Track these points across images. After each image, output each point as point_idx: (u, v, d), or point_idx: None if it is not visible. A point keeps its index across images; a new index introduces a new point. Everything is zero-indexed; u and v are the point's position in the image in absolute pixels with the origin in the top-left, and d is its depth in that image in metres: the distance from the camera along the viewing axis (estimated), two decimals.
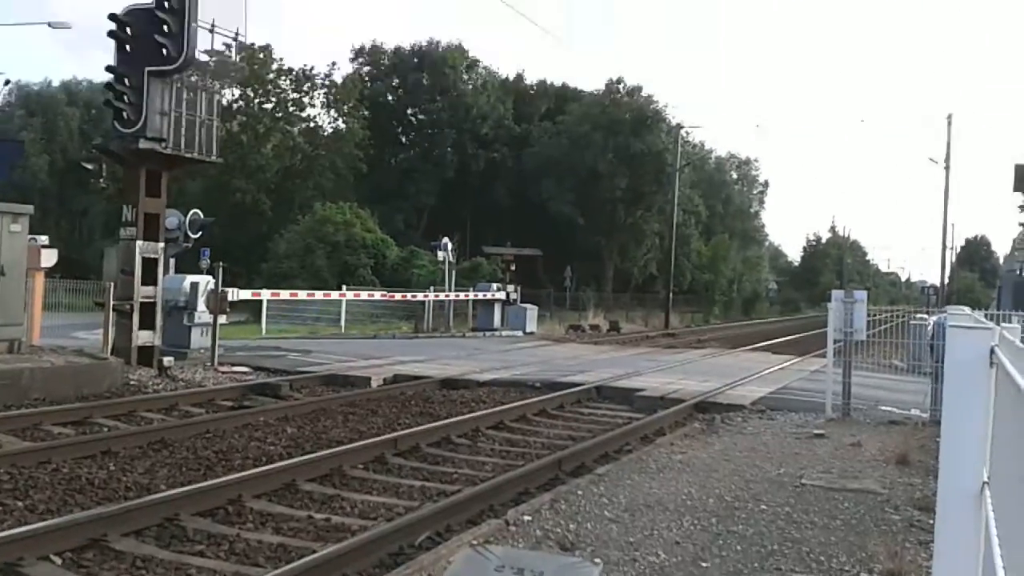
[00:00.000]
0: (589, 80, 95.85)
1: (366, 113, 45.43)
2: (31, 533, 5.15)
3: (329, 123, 45.87)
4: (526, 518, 5.90)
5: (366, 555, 5.25)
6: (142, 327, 13.54)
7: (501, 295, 28.09)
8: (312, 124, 44.93)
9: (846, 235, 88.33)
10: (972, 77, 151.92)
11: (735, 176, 72.47)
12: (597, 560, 3.92)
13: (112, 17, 13.31)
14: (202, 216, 18.51)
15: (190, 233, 17.98)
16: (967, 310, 11.11)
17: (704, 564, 5.17)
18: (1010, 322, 11.08)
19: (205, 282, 15.66)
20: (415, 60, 49.24)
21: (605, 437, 9.34)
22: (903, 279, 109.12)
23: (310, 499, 6.76)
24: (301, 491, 6.92)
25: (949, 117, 39.06)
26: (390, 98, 49.60)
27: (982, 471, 2.39)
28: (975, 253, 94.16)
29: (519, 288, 29.65)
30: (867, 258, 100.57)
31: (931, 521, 5.37)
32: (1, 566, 4.77)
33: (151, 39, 13.16)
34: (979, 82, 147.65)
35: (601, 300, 43.60)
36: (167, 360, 13.47)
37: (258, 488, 6.73)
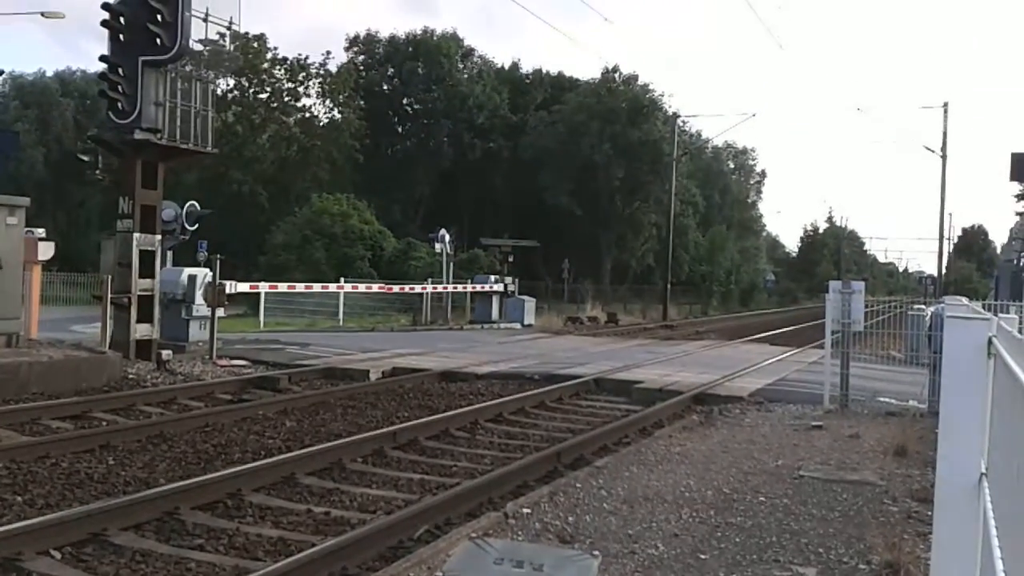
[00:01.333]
0: (585, 69, 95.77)
1: (361, 103, 45.33)
2: (30, 528, 5.15)
3: (324, 113, 45.86)
4: (525, 511, 5.92)
5: (366, 548, 5.26)
6: (140, 320, 13.52)
7: (499, 287, 28.08)
8: (307, 114, 44.85)
9: (843, 225, 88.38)
10: (969, 66, 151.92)
11: (732, 166, 72.48)
12: (596, 552, 3.94)
13: (105, 6, 13.25)
14: (199, 208, 18.51)
15: (187, 225, 17.99)
16: (964, 300, 11.13)
17: (703, 556, 5.19)
18: (1008, 312, 11.10)
19: (203, 275, 15.64)
20: (410, 49, 49.09)
21: (604, 430, 9.36)
22: (900, 269, 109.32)
23: (309, 492, 6.77)
24: (300, 484, 6.92)
25: (945, 106, 38.84)
26: (385, 88, 49.47)
27: (980, 462, 2.40)
28: (972, 243, 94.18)
29: (517, 280, 29.65)
30: (864, 248, 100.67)
31: (929, 512, 5.39)
32: (1, 561, 4.77)
33: (145, 28, 13.11)
34: (976, 71, 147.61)
35: (599, 292, 43.60)
36: (165, 353, 13.46)
37: (257, 482, 6.73)
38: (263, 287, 22.52)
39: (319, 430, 9.20)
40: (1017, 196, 46.28)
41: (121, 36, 13.44)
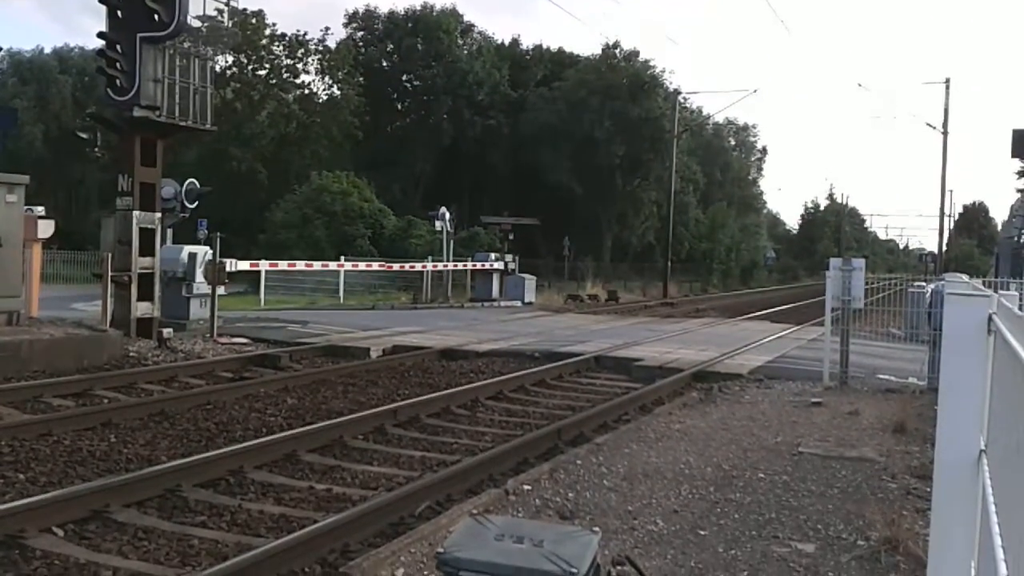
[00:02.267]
0: (586, 45, 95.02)
1: (361, 79, 45.07)
2: (33, 505, 5.18)
3: (324, 90, 45.61)
4: (525, 487, 5.95)
5: (367, 525, 5.29)
6: (141, 298, 13.53)
7: (499, 265, 28.07)
8: (307, 91, 44.61)
9: (844, 202, 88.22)
10: (971, 42, 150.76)
11: (733, 143, 72.14)
12: (596, 528, 3.95)
13: None
14: (198, 185, 18.43)
15: (186, 203, 17.90)
16: (965, 277, 11.14)
17: (702, 532, 5.22)
18: (1008, 289, 11.09)
19: (203, 253, 15.62)
20: (409, 25, 48.71)
21: (604, 407, 9.38)
22: (901, 246, 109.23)
23: (311, 469, 6.80)
24: (302, 462, 6.96)
25: (947, 82, 38.64)
26: (384, 64, 49.13)
27: (979, 439, 2.40)
28: (973, 220, 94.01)
29: (517, 258, 29.62)
30: (865, 225, 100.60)
31: (928, 489, 5.42)
32: (3, 538, 4.80)
33: (143, 4, 13.01)
34: (978, 47, 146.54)
35: (599, 269, 43.57)
36: (166, 331, 13.47)
37: (259, 459, 6.76)
38: (263, 265, 22.49)
39: (320, 407, 9.23)
40: (1018, 173, 46.11)
41: (119, 12, 13.34)
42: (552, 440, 7.78)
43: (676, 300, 37.43)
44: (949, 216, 56.73)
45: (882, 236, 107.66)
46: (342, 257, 27.05)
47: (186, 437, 7.68)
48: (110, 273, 13.29)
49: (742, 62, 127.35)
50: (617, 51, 49.01)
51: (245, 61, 41.98)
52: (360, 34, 49.69)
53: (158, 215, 14.04)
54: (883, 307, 16.30)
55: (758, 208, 77.38)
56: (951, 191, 68.71)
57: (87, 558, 4.72)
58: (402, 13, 49.34)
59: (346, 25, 49.79)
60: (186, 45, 13.95)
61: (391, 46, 49.10)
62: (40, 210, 14.76)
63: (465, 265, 28.58)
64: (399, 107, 49.87)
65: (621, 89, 46.42)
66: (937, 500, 2.53)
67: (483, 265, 28.10)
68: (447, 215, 29.35)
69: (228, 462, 6.50)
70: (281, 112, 42.47)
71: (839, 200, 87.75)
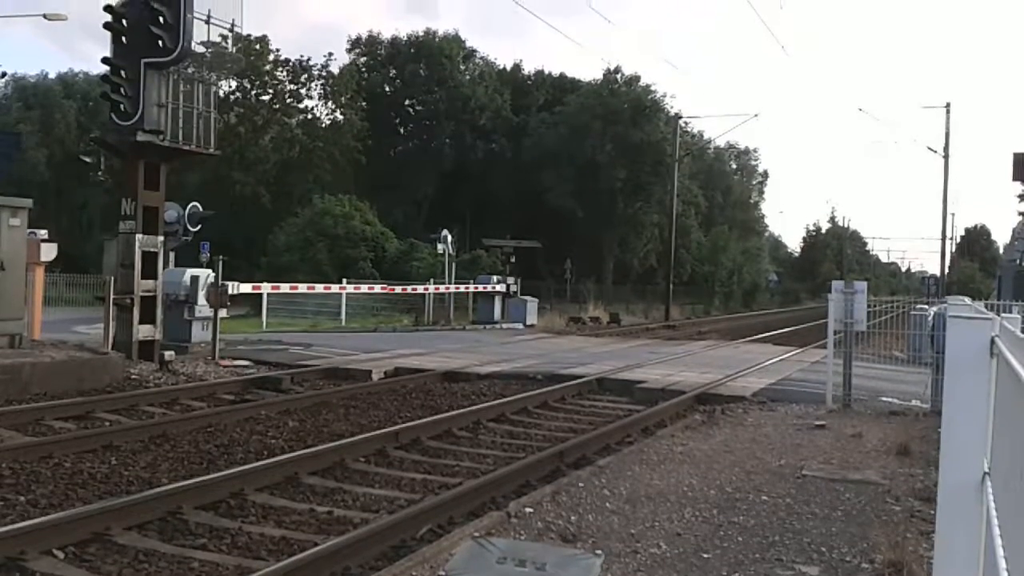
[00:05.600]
0: (587, 70, 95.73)
1: (364, 104, 45.37)
2: (33, 528, 5.16)
3: (327, 115, 45.93)
4: (528, 510, 5.92)
5: (368, 548, 5.27)
6: (142, 321, 13.54)
7: (501, 287, 28.08)
8: (310, 116, 44.91)
9: (846, 225, 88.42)
10: (971, 66, 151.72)
11: (734, 166, 72.44)
12: (599, 551, 3.92)
13: (108, 8, 13.28)
14: (201, 209, 18.49)
15: (189, 226, 17.95)
16: (967, 300, 11.12)
17: (706, 555, 5.19)
18: (1010, 312, 11.07)
19: (205, 276, 15.64)
20: (411, 50, 49.14)
21: (606, 429, 9.36)
22: (903, 269, 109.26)
23: (312, 492, 6.78)
24: (303, 484, 6.93)
25: (947, 106, 38.77)
26: (387, 89, 49.50)
27: (983, 461, 2.40)
28: (975, 243, 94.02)
29: (519, 280, 29.65)
30: (867, 248, 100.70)
31: (932, 511, 5.38)
32: (4, 560, 4.78)
33: (147, 30, 13.13)
34: (978, 71, 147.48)
35: (601, 292, 43.57)
36: (168, 354, 13.47)
37: (260, 481, 6.74)
38: (265, 288, 22.52)
39: (321, 430, 9.21)
40: (1020, 196, 46.11)
41: (123, 38, 13.46)
42: (554, 462, 7.75)
43: (678, 323, 37.40)
44: (951, 239, 56.82)
45: (884, 259, 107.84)
46: (344, 280, 27.09)
47: (187, 459, 7.66)
48: (112, 296, 13.31)
49: (743, 87, 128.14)
50: (618, 76, 49.37)
51: (249, 86, 42.32)
52: (363, 59, 50.11)
53: (161, 238, 14.09)
54: (886, 330, 16.28)
55: (760, 231, 77.53)
56: (953, 214, 68.81)
57: None
58: (405, 39, 49.87)
59: (349, 51, 50.33)
60: (190, 70, 14.07)
61: (394, 71, 49.50)
62: (43, 233, 14.79)
63: (467, 288, 28.60)
64: (401, 131, 50.17)
65: (622, 114, 46.69)
66: (941, 523, 2.52)
67: (485, 287, 28.12)
68: (449, 238, 29.43)
69: (229, 484, 6.47)
70: (284, 136, 42.74)
71: (841, 223, 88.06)
